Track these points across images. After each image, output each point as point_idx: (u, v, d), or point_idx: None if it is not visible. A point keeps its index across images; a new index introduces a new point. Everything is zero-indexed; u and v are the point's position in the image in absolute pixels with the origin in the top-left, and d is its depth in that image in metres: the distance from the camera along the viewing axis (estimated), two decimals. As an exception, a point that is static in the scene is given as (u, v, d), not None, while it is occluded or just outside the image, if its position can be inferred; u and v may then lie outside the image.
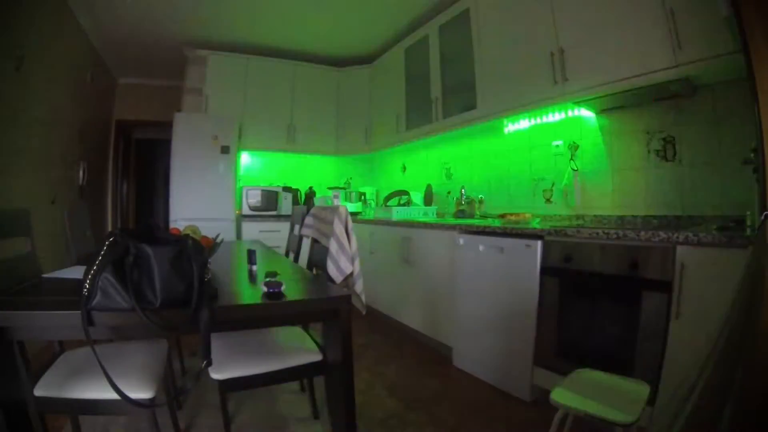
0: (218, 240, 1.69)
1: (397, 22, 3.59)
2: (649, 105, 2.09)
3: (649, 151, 2.11)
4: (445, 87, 3.23)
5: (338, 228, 1.66)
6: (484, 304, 2.25)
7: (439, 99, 3.26)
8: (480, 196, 3.19)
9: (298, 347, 1.54)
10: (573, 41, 2.15)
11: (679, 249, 1.47)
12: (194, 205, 3.60)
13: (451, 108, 3.15)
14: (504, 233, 2.16)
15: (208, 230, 1.79)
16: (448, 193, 3.58)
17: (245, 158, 4.38)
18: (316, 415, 1.82)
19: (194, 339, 0.98)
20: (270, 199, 4.10)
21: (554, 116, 2.61)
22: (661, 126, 2.05)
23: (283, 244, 2.98)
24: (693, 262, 1.44)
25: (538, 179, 2.74)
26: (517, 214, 2.67)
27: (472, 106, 2.90)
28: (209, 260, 1.21)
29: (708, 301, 1.37)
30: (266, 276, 1.17)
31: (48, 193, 2.94)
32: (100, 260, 0.92)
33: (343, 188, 4.53)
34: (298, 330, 1.76)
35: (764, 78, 1.10)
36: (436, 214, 3.58)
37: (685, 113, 1.97)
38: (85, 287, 0.91)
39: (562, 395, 1.17)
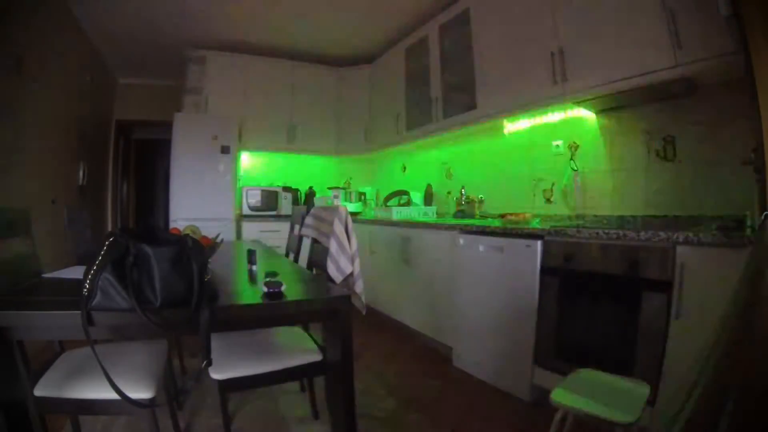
0: (218, 240, 1.69)
1: (397, 22, 3.59)
2: (649, 105, 2.09)
3: (649, 151, 2.11)
4: (445, 87, 3.22)
5: (338, 228, 1.66)
6: (484, 304, 2.25)
7: (439, 99, 3.26)
8: (480, 196, 3.19)
9: (298, 347, 1.54)
10: (573, 41, 2.15)
11: (679, 249, 1.47)
12: (194, 205, 3.60)
13: (451, 108, 3.15)
14: (504, 233, 2.16)
15: (208, 230, 1.79)
16: (448, 193, 3.57)
17: (245, 158, 4.38)
18: (316, 415, 1.82)
19: (194, 339, 0.98)
20: (270, 199, 4.10)
21: (554, 116, 2.61)
22: (661, 126, 2.05)
23: (283, 244, 2.98)
24: (693, 262, 1.44)
25: (538, 179, 2.74)
26: (517, 214, 2.67)
27: (472, 106, 2.90)
28: (209, 260, 1.21)
29: (708, 301, 1.37)
30: (266, 276, 1.17)
31: (48, 193, 2.94)
32: (100, 260, 0.92)
33: (343, 188, 4.53)
34: (298, 330, 1.76)
35: (764, 78, 1.10)
36: (436, 214, 3.58)
37: (685, 113, 1.97)
38: (85, 287, 0.91)
39: (562, 395, 1.17)
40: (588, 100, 2.17)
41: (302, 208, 2.45)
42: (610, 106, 2.24)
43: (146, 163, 6.15)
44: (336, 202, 4.19)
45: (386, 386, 2.18)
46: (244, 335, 1.59)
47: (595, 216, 2.36)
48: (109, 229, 4.72)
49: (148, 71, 4.66)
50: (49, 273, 1.43)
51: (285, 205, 4.14)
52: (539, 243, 1.96)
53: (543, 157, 2.71)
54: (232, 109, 3.97)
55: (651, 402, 1.24)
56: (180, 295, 0.95)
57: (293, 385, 2.08)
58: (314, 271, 1.92)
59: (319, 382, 1.77)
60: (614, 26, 1.94)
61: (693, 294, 1.43)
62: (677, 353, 1.46)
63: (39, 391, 1.16)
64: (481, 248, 2.28)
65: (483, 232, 2.29)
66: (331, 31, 3.83)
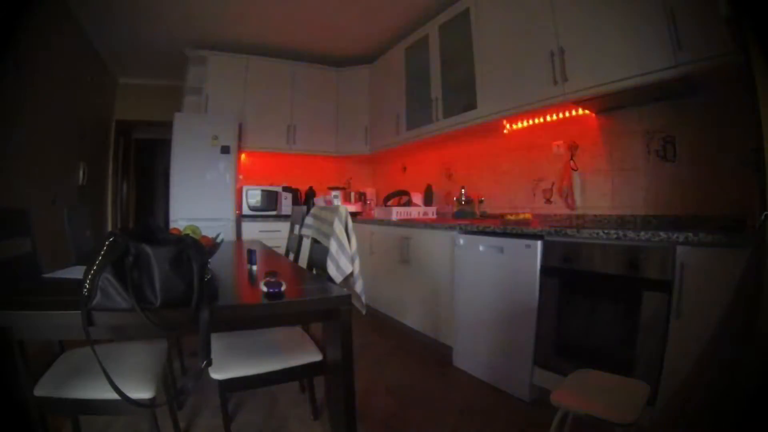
0: (218, 240, 1.69)
1: (397, 22, 3.58)
2: (649, 105, 2.09)
3: (649, 151, 2.11)
4: (445, 87, 3.22)
5: (338, 228, 1.66)
6: (484, 304, 2.25)
7: (439, 99, 3.26)
8: (480, 196, 3.19)
9: (298, 347, 1.54)
10: (573, 41, 2.15)
11: (679, 249, 1.47)
12: (194, 205, 3.60)
13: (451, 108, 3.15)
14: (504, 233, 2.16)
15: (208, 230, 1.79)
16: (448, 193, 3.57)
17: (245, 158, 4.38)
18: (316, 415, 1.82)
19: (194, 339, 0.98)
20: (270, 199, 4.10)
21: (554, 116, 2.61)
22: (661, 126, 2.05)
23: (283, 244, 2.98)
24: (693, 262, 1.44)
25: (538, 179, 2.74)
26: (517, 214, 2.67)
27: (472, 106, 2.90)
28: (209, 260, 1.21)
29: (708, 301, 1.37)
30: (266, 276, 1.17)
31: (48, 193, 2.94)
32: (100, 260, 0.92)
33: (343, 188, 4.53)
34: (298, 330, 1.76)
35: (764, 78, 1.10)
36: (436, 214, 3.58)
37: (685, 113, 1.97)
38: (85, 287, 0.91)
39: (562, 395, 1.17)
40: (588, 100, 2.17)
41: (302, 208, 2.45)
42: (610, 106, 2.24)
43: (146, 163, 6.15)
44: (336, 202, 4.19)
45: (386, 386, 2.18)
46: (244, 335, 1.59)
47: (595, 216, 2.36)
48: (109, 229, 4.72)
49: (148, 71, 4.66)
50: (49, 273, 1.43)
51: (285, 205, 4.14)
52: (539, 243, 1.96)
53: (543, 157, 2.71)
54: (232, 109, 3.97)
55: (651, 402, 1.24)
56: (180, 295, 0.95)
57: (293, 385, 2.08)
58: (314, 271, 1.92)
59: (319, 382, 1.77)
60: (614, 26, 1.94)
61: (693, 294, 1.43)
62: (677, 353, 1.46)
63: (39, 391, 1.16)
64: (481, 248, 2.28)
65: (483, 232, 2.29)
66: (331, 31, 3.82)
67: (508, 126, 2.97)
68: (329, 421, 1.71)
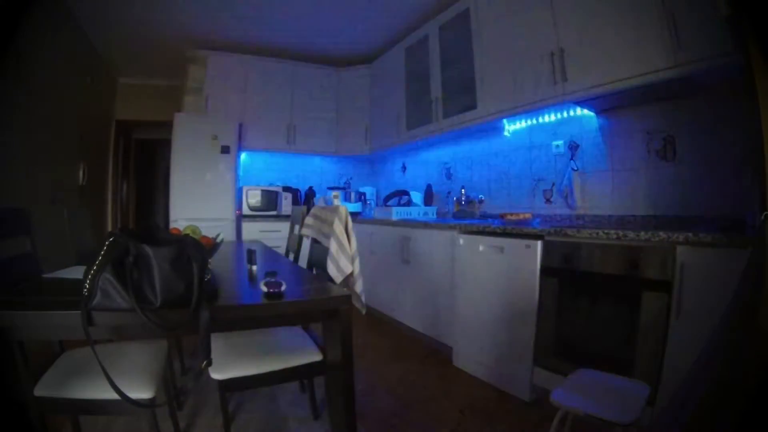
0: (218, 240, 1.69)
1: (397, 22, 3.59)
2: (649, 105, 2.09)
3: (649, 151, 2.11)
4: (445, 87, 3.22)
5: (338, 228, 1.66)
6: (484, 304, 2.25)
7: (439, 99, 3.26)
8: (480, 196, 3.19)
9: (298, 347, 1.54)
10: (573, 41, 2.15)
11: (679, 249, 1.47)
12: (194, 205, 3.60)
13: (451, 108, 3.15)
14: (504, 233, 2.16)
15: (208, 230, 1.79)
16: (448, 193, 3.57)
17: (245, 158, 4.38)
18: (316, 415, 1.82)
19: (194, 339, 0.98)
20: (270, 199, 4.10)
21: (554, 116, 2.61)
22: (661, 126, 2.05)
23: (283, 244, 2.98)
24: (693, 262, 1.44)
25: (538, 179, 2.74)
26: (517, 214, 2.67)
27: (472, 106, 2.90)
28: (209, 260, 1.21)
29: (708, 300, 1.37)
30: (266, 276, 1.17)
31: (48, 193, 2.94)
32: (100, 260, 0.92)
33: (343, 188, 4.53)
34: (298, 330, 1.76)
35: (764, 78, 1.10)
36: (436, 214, 3.58)
37: (685, 113, 1.97)
38: (85, 287, 0.91)
39: (562, 395, 1.17)
40: (588, 100, 2.17)
41: (302, 208, 2.45)
42: (610, 106, 2.24)
43: (146, 163, 6.15)
44: (336, 202, 4.19)
45: (386, 386, 2.18)
46: (244, 335, 1.59)
47: (595, 216, 2.36)
48: (109, 229, 4.72)
49: (148, 71, 4.66)
50: (49, 273, 1.43)
51: (285, 205, 4.14)
52: (539, 243, 1.96)
53: (543, 157, 2.71)
54: (232, 109, 3.97)
55: (651, 402, 1.24)
56: (180, 295, 0.95)
57: (293, 385, 2.08)
58: (314, 271, 1.92)
59: (319, 382, 1.77)
60: (614, 26, 1.94)
61: (693, 294, 1.43)
62: (677, 353, 1.46)
63: (39, 391, 1.16)
64: (481, 248, 2.28)
65: (483, 232, 2.29)
66: (331, 31, 3.82)
67: (508, 126, 2.97)
68: (329, 421, 1.71)
